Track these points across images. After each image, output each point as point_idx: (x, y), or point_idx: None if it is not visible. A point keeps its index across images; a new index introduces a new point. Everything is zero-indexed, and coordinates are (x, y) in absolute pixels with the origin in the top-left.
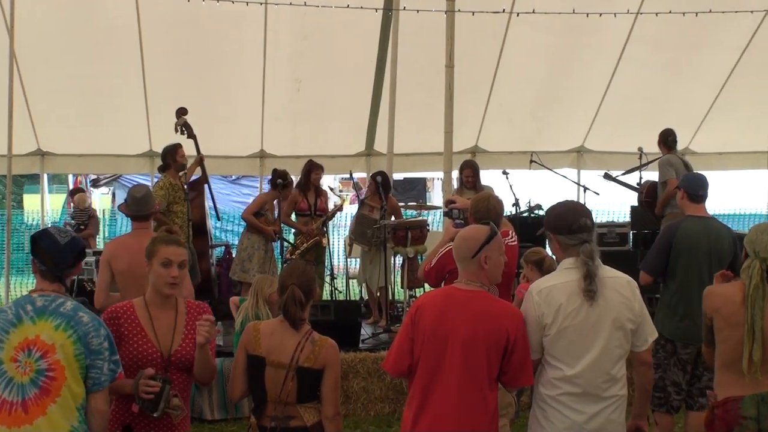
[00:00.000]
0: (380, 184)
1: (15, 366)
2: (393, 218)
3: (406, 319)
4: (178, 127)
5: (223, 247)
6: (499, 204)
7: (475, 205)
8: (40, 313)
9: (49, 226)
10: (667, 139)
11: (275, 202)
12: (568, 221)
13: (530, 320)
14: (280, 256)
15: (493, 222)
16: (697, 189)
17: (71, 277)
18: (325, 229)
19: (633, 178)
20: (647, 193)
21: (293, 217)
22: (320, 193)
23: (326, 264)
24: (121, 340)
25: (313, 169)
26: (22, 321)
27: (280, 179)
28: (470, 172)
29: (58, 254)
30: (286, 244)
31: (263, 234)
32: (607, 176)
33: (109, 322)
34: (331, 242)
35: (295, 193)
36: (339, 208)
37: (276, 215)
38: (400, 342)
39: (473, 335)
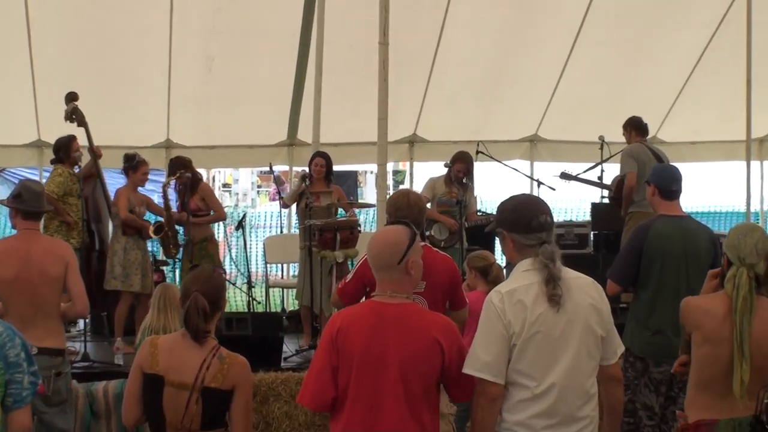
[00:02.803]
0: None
1: None
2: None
3: (324, 344)
4: (68, 114)
5: None
6: (420, 200)
7: (394, 202)
8: None
9: None
10: (641, 125)
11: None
12: (526, 218)
13: (493, 335)
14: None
15: (415, 221)
16: (669, 183)
17: None
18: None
19: (595, 173)
20: (617, 189)
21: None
22: (195, 191)
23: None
24: None
25: (187, 164)
26: None
27: (126, 163)
28: (463, 167)
29: None
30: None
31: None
32: (564, 176)
33: None
34: (248, 245)
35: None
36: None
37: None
38: (319, 371)
39: (412, 357)
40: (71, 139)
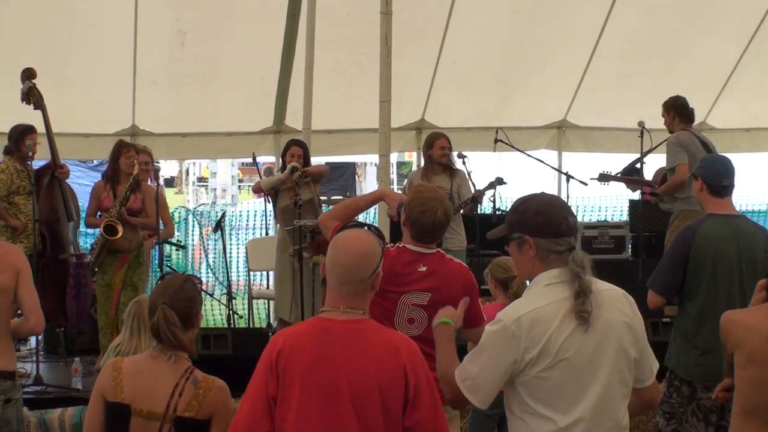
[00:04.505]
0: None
1: None
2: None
3: (261, 369)
4: (23, 94)
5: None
6: (449, 218)
7: (418, 216)
8: None
9: None
10: (685, 110)
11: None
12: (556, 221)
13: (499, 362)
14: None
15: (431, 238)
16: (720, 177)
17: None
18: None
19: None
20: (661, 184)
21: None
22: (138, 188)
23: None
24: None
25: (122, 152)
26: None
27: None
28: (446, 143)
29: None
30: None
31: None
32: (603, 177)
33: None
34: (228, 250)
35: (100, 185)
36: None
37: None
38: (254, 401)
39: (368, 385)
40: (26, 129)
